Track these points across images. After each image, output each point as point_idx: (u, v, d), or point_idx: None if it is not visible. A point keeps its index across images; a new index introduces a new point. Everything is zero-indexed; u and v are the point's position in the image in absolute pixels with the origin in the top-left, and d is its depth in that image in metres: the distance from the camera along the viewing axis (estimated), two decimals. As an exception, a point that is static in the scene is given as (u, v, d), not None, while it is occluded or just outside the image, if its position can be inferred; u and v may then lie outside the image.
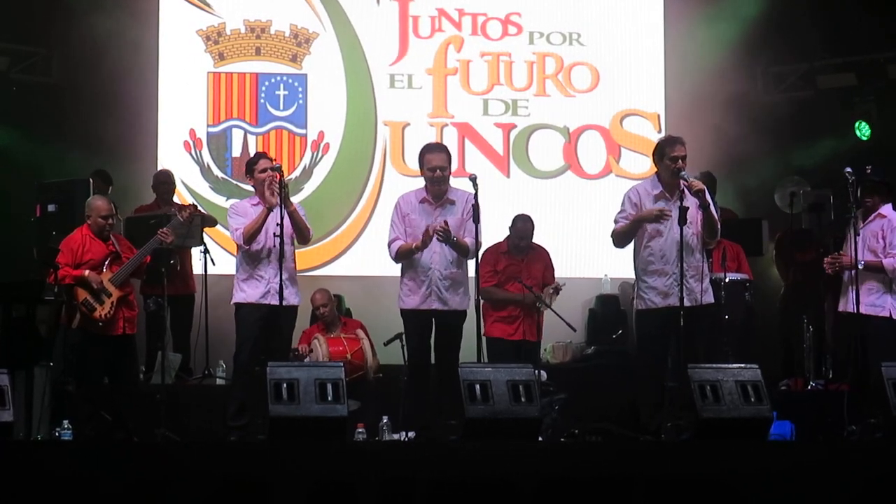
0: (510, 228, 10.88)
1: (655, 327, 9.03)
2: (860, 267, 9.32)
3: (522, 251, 10.78)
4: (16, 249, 11.40)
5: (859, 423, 9.07)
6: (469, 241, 9.08)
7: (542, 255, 10.93)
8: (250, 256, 9.28)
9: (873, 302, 9.33)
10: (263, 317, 9.24)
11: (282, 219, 9.04)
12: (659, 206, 9.00)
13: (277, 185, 9.10)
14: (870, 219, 9.54)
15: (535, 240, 11.07)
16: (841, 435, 9.02)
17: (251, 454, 7.72)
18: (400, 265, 9.35)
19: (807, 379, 11.03)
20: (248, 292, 9.28)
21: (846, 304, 9.45)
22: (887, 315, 9.41)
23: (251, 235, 9.20)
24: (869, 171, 9.51)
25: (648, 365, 9.09)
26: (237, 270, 9.41)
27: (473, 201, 8.96)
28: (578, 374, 11.36)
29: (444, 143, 12.70)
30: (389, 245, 9.29)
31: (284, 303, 9.14)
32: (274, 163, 9.51)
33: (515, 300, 10.47)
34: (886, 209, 9.57)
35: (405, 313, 9.26)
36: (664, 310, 8.96)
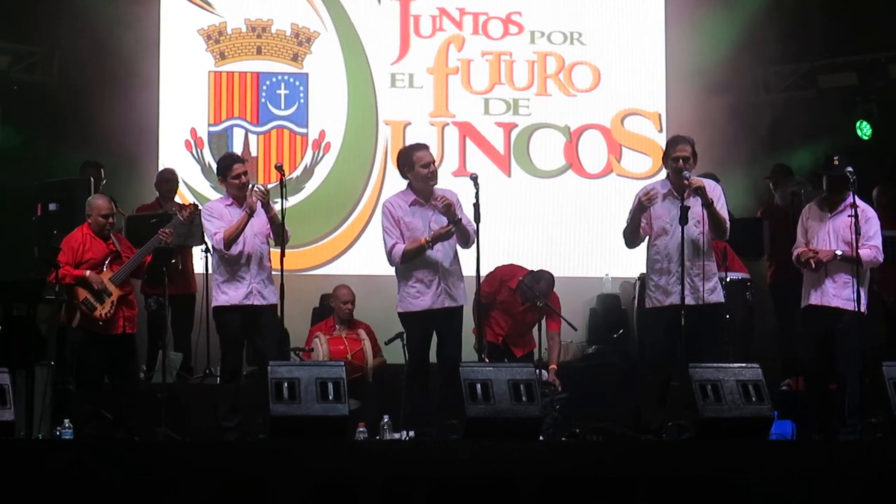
0: (532, 280, 10.64)
1: (659, 326, 9.02)
2: (839, 255, 9.21)
3: (531, 300, 10.62)
4: (16, 248, 11.39)
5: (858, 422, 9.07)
6: (469, 228, 9.06)
7: (551, 301, 10.71)
8: (229, 258, 9.28)
9: (848, 296, 9.25)
10: (245, 319, 9.24)
11: (283, 218, 9.08)
12: (640, 199, 8.99)
13: (259, 192, 9.13)
14: (840, 209, 9.34)
15: (536, 239, 11.06)
16: (840, 434, 9.02)
17: (252, 453, 7.72)
18: (397, 270, 9.22)
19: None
20: (230, 294, 9.26)
21: (821, 298, 9.27)
22: (860, 309, 9.31)
23: (231, 240, 9.21)
24: (837, 161, 9.42)
25: (652, 364, 9.09)
26: (215, 273, 9.39)
27: (474, 200, 8.93)
28: (579, 374, 11.35)
29: (446, 142, 12.76)
30: (391, 252, 9.09)
31: (265, 302, 9.24)
32: (244, 165, 9.52)
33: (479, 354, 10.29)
34: (857, 199, 9.41)
35: (411, 316, 9.08)
36: (667, 308, 8.95)
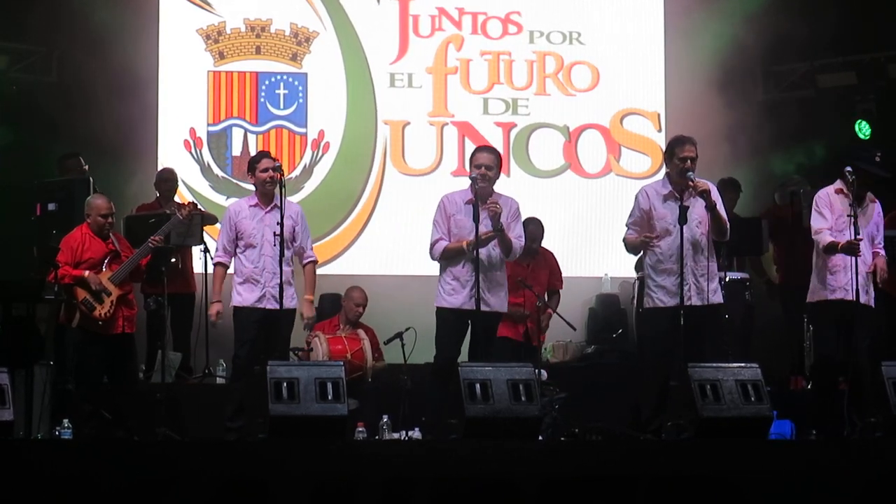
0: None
1: (663, 327, 8.98)
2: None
3: (530, 256, 10.70)
4: (16, 248, 11.39)
5: (861, 420, 9.06)
6: (515, 242, 9.09)
7: (549, 261, 10.91)
8: (246, 260, 9.30)
9: (869, 290, 9.21)
10: (261, 319, 9.24)
11: (282, 219, 9.05)
12: (644, 237, 9.00)
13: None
14: (865, 204, 9.28)
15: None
16: (840, 434, 9.01)
17: (251, 453, 7.72)
18: (439, 264, 9.25)
19: (807, 378, 11.00)
20: (245, 296, 9.27)
21: (849, 293, 9.11)
22: (871, 303, 9.32)
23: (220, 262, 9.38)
24: (879, 159, 9.38)
25: (654, 364, 9.08)
26: (235, 273, 9.41)
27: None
28: (579, 374, 11.35)
29: (445, 142, 12.77)
30: (433, 246, 9.17)
31: (279, 307, 9.20)
32: (274, 162, 9.53)
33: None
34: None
35: (444, 312, 9.13)
36: (673, 309, 8.92)
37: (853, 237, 9.03)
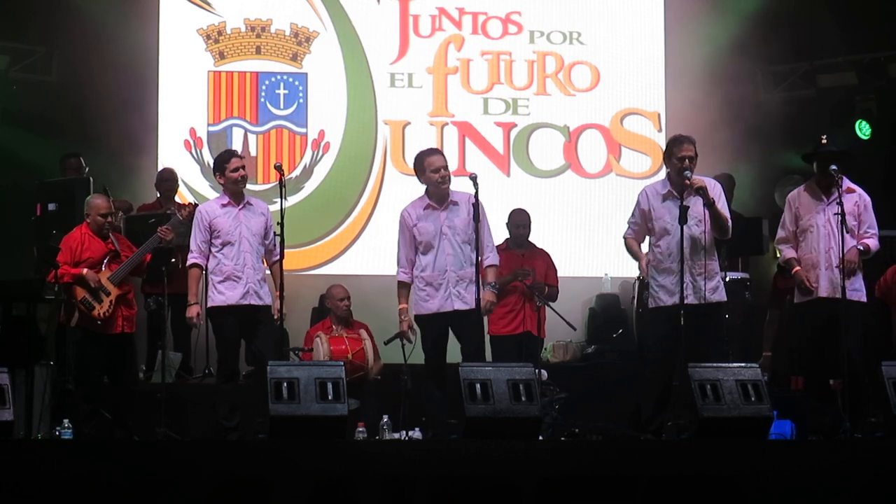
0: (507, 224, 10.96)
1: (664, 326, 8.98)
2: (861, 249, 9.12)
3: (522, 244, 10.81)
4: (16, 248, 11.40)
5: (856, 420, 9.05)
6: (486, 259, 9.10)
7: (544, 255, 10.98)
8: (225, 258, 9.27)
9: (857, 287, 9.17)
10: (242, 320, 9.23)
11: (282, 218, 9.05)
12: (641, 265, 9.14)
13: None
14: (835, 195, 9.13)
15: (536, 238, 11.11)
16: (838, 434, 9.01)
17: (251, 453, 7.72)
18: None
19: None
20: (227, 294, 9.22)
21: (834, 290, 9.10)
22: (864, 300, 9.27)
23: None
24: (825, 140, 9.33)
25: (654, 363, 9.07)
26: (211, 273, 9.31)
27: (474, 200, 8.96)
28: (579, 374, 11.35)
29: (445, 142, 12.77)
30: (397, 264, 9.23)
31: (260, 302, 9.24)
32: (242, 160, 9.50)
33: (507, 280, 10.52)
34: (853, 184, 9.27)
35: (423, 319, 9.14)
36: (672, 308, 8.92)
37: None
